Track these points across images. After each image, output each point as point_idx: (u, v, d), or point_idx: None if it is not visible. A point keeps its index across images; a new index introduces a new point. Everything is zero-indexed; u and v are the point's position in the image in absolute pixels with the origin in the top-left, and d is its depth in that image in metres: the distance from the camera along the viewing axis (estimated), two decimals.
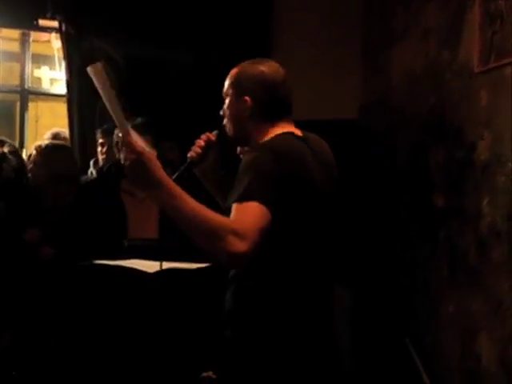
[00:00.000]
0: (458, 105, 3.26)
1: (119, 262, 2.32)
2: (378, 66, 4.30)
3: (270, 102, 1.90)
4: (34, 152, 3.24)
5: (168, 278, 2.30)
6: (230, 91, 1.93)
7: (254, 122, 1.89)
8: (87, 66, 1.55)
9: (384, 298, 3.77)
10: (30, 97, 5.24)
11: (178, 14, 4.20)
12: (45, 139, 4.08)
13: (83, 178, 3.68)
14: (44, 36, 4.88)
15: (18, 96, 5.12)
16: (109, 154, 3.74)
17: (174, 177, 1.80)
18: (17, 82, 5.15)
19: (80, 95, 4.15)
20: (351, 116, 4.41)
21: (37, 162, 3.21)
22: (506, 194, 2.83)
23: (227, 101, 1.94)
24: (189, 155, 1.97)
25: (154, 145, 3.02)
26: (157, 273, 2.24)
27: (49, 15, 4.14)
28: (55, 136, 4.19)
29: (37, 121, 5.74)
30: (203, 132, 2.03)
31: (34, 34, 4.99)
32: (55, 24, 4.20)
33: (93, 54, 4.11)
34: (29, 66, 5.14)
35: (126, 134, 1.59)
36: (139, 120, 3.07)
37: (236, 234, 1.55)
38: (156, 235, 2.91)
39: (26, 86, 5.11)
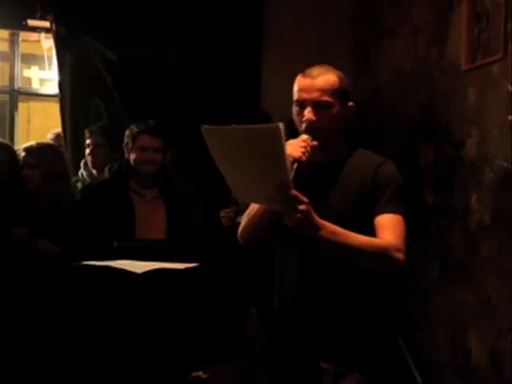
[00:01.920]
0: (447, 102, 3.27)
1: (108, 263, 2.32)
2: (368, 64, 4.30)
3: None
4: (24, 154, 3.24)
5: (156, 278, 2.30)
6: (334, 99, 1.95)
7: (344, 126, 2.04)
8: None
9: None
10: (22, 97, 5.23)
11: (169, 10, 4.17)
12: (48, 139, 4.13)
13: (74, 179, 3.67)
14: (33, 36, 4.86)
15: (7, 96, 5.11)
16: (94, 154, 3.73)
17: (292, 176, 1.76)
18: (6, 82, 5.14)
19: (72, 95, 4.14)
20: None
21: (28, 163, 3.21)
22: (493, 190, 2.85)
23: (335, 109, 1.95)
24: (297, 156, 1.85)
25: (164, 147, 3.01)
26: (145, 273, 2.25)
27: (38, 16, 4.13)
28: (58, 136, 4.25)
29: (28, 121, 5.74)
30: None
31: (23, 34, 4.96)
32: (44, 24, 4.17)
33: (86, 53, 4.10)
34: (18, 66, 5.11)
35: (291, 188, 1.69)
36: (150, 122, 3.04)
37: (398, 249, 1.87)
38: (162, 236, 2.91)
39: (15, 87, 5.09)
